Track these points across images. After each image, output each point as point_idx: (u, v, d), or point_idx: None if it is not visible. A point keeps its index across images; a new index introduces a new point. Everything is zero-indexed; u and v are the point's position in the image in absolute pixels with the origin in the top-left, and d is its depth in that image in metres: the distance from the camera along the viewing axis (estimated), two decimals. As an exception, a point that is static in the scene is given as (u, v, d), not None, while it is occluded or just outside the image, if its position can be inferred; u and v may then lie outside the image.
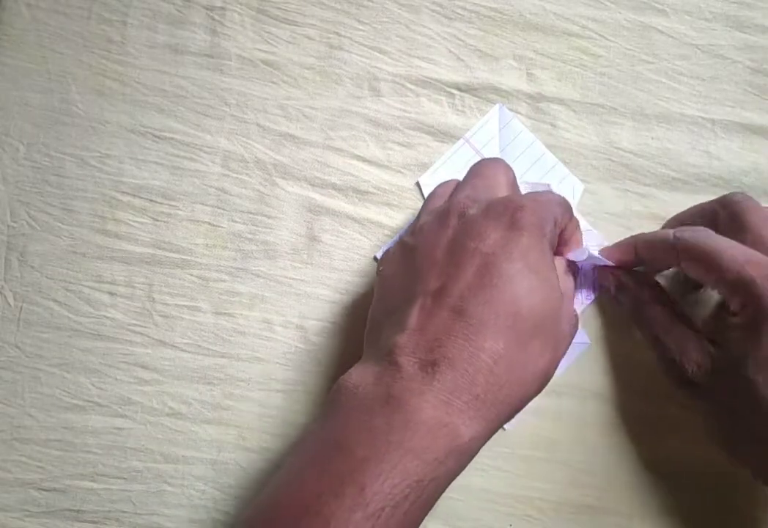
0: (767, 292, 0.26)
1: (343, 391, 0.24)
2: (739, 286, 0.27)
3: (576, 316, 0.28)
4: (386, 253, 0.29)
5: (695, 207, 0.33)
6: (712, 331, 0.29)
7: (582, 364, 0.34)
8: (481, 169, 0.30)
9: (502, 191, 0.29)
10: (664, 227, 0.34)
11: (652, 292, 0.31)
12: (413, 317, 0.24)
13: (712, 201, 0.32)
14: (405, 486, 0.22)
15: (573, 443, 0.33)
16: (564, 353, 0.27)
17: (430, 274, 0.25)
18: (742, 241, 0.28)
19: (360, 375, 0.24)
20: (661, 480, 0.33)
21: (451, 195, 0.29)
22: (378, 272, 0.29)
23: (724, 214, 0.30)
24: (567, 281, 0.29)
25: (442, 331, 0.24)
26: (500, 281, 0.24)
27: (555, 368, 0.26)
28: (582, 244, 0.32)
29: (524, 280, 0.24)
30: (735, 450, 0.29)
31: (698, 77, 0.37)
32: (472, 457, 0.24)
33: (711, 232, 0.29)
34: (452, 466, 0.23)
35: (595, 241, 0.35)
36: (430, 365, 0.23)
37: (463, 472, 0.33)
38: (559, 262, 0.29)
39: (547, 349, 0.25)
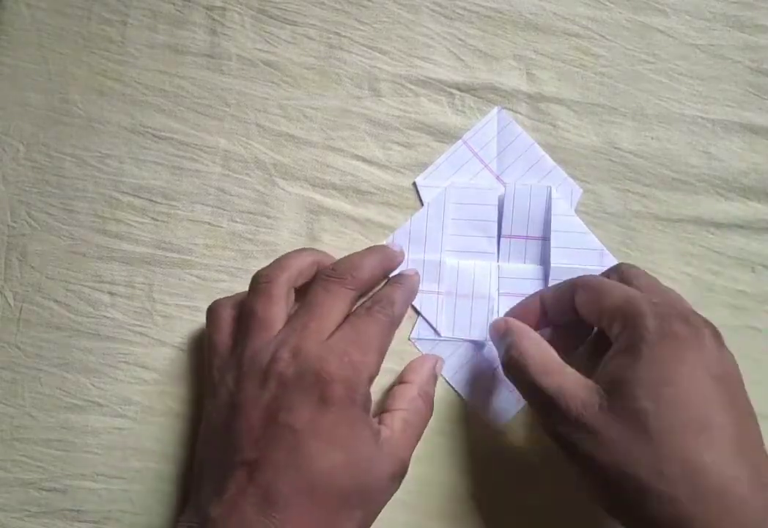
0: (648, 310, 0.27)
1: None
2: (621, 308, 0.28)
3: (402, 460, 0.29)
4: (213, 395, 0.30)
5: (554, 286, 0.33)
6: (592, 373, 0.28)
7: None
8: (317, 299, 0.30)
9: (333, 323, 0.29)
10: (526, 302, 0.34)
11: (534, 335, 0.31)
12: (229, 491, 0.26)
13: (564, 283, 0.32)
14: None
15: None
16: (381, 504, 0.28)
17: (247, 443, 0.27)
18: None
19: None
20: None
21: (277, 343, 0.29)
22: (206, 406, 0.31)
23: (584, 295, 0.30)
24: (394, 431, 0.29)
25: (253, 511, 0.26)
26: (307, 462, 0.26)
27: (370, 521, 0.28)
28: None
29: (330, 460, 0.26)
30: (620, 509, 0.27)
31: (698, 77, 0.37)
32: None
33: (604, 278, 0.31)
34: None
35: (592, 245, 0.35)
36: None
37: (463, 474, 0.33)
38: (382, 422, 0.29)
39: (356, 514, 0.27)
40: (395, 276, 0.34)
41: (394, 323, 0.31)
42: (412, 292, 0.34)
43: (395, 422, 0.29)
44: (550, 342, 0.30)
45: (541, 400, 0.28)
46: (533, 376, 0.28)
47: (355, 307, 0.31)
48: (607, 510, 0.27)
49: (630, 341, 0.27)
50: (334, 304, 0.30)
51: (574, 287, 0.31)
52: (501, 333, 0.31)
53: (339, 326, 0.29)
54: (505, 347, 0.30)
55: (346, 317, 0.30)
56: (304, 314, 0.29)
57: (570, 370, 0.28)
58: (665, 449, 0.25)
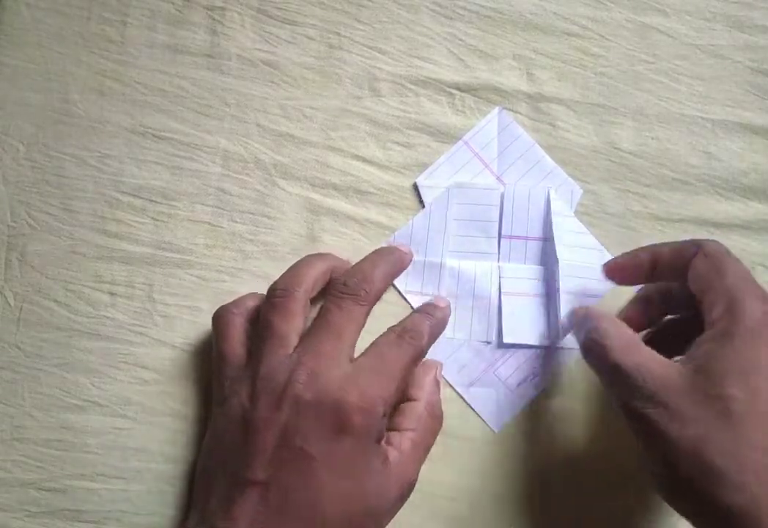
0: (754, 299, 0.27)
1: None
2: (730, 291, 0.27)
3: (410, 481, 0.29)
4: (221, 404, 0.30)
5: (673, 243, 0.31)
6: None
7: (584, 364, 0.34)
8: (332, 318, 0.30)
9: (349, 342, 0.30)
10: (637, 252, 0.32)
11: (613, 318, 0.30)
12: (238, 508, 0.27)
13: (689, 243, 0.30)
14: None
15: (573, 443, 0.33)
16: (388, 521, 0.29)
17: (259, 462, 0.27)
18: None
19: None
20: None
21: (293, 363, 0.28)
22: (213, 416, 0.31)
23: (705, 263, 0.29)
24: (402, 451, 0.29)
25: None
26: (319, 488, 0.27)
27: None
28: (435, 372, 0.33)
29: (340, 487, 0.27)
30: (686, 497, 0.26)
31: (698, 77, 0.37)
32: None
33: (727, 250, 0.29)
34: None
35: (590, 244, 0.35)
36: None
37: (464, 474, 0.33)
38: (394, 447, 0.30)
39: None
40: (427, 305, 0.33)
41: (420, 355, 0.31)
42: (443, 325, 0.33)
43: (404, 443, 0.29)
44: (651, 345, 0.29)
45: (618, 378, 0.27)
46: (612, 355, 0.27)
47: (384, 332, 0.31)
48: (666, 491, 0.26)
49: (727, 325, 0.26)
50: (349, 324, 0.30)
51: (698, 249, 0.29)
52: (580, 318, 0.31)
53: (365, 351, 0.30)
54: (585, 331, 0.30)
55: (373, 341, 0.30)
56: (319, 334, 0.29)
57: (649, 350, 0.28)
58: (747, 437, 0.24)
